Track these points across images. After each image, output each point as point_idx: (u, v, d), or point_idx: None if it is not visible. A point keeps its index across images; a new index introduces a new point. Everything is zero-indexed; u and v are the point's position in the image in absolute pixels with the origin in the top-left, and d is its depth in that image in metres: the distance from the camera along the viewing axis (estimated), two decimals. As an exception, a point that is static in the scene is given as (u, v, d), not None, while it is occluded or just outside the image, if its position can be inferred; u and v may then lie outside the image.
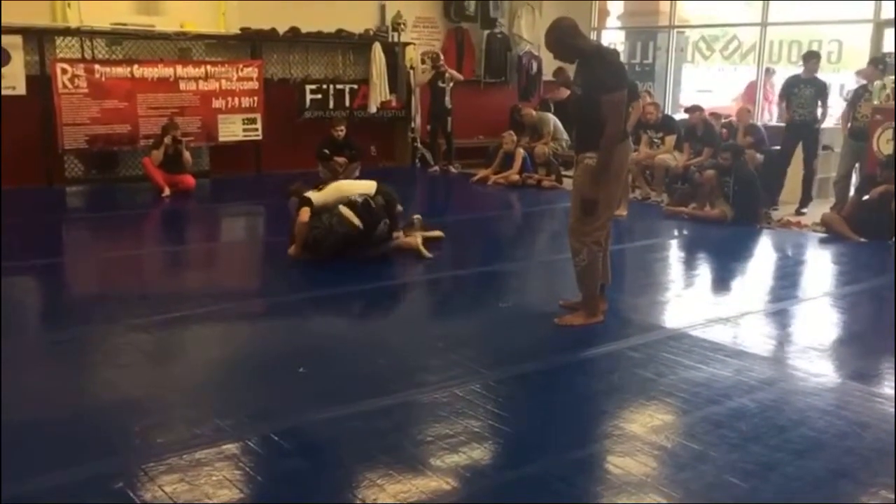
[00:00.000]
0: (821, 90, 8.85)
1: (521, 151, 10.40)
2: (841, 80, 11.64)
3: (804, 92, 8.82)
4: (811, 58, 8.99)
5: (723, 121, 10.35)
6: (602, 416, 3.65)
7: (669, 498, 2.88)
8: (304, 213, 6.13)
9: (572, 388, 3.97)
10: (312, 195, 6.27)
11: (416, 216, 6.90)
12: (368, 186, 6.42)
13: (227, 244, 7.79)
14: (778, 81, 12.57)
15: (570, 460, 3.18)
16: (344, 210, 6.09)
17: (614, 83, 4.46)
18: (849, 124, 8.66)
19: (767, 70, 11.90)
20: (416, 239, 6.50)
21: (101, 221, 8.27)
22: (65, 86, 9.05)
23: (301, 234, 6.14)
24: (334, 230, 6.06)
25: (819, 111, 8.86)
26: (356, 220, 6.07)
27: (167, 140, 8.98)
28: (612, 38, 13.63)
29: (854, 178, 8.71)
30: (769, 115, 12.03)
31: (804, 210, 8.80)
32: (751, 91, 12.29)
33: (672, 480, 3.01)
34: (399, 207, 6.51)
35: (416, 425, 3.47)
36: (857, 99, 8.61)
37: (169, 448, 3.14)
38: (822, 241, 7.60)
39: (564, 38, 4.56)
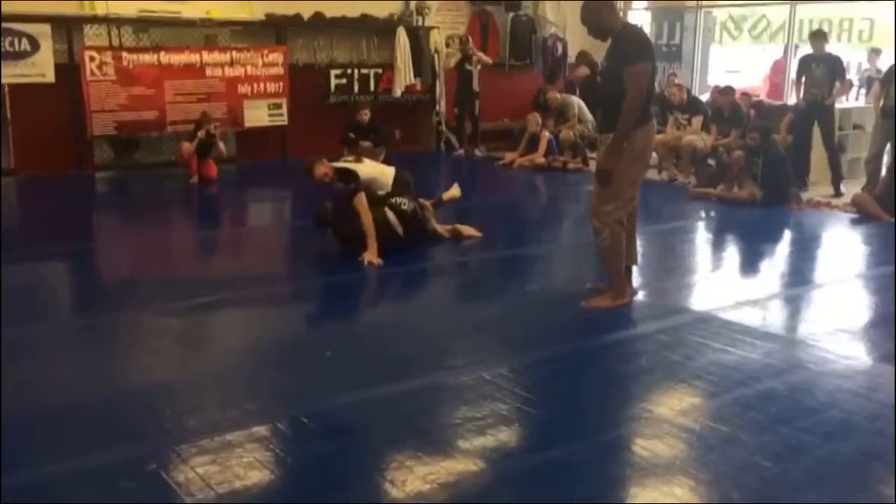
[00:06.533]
0: (835, 66, 8.62)
1: (546, 134, 10.34)
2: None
3: (816, 71, 8.58)
4: (816, 36, 8.75)
5: (753, 100, 10.21)
6: (630, 399, 3.65)
7: (698, 480, 2.88)
8: (364, 203, 5.62)
9: (599, 371, 3.97)
10: (355, 167, 5.89)
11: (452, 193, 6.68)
12: (390, 172, 6.23)
13: (254, 229, 7.83)
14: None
15: (597, 443, 3.18)
16: (390, 216, 5.83)
17: (637, 56, 4.46)
18: (881, 103, 8.50)
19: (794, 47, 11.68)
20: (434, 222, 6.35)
21: (130, 207, 8.37)
22: (93, 73, 9.13)
23: (371, 230, 5.61)
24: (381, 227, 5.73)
25: (835, 89, 8.61)
26: (399, 230, 5.84)
27: (200, 134, 8.91)
28: (639, 18, 13.47)
29: (886, 158, 8.55)
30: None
31: (842, 191, 8.59)
32: (777, 69, 12.09)
33: (701, 463, 3.00)
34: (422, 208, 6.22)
35: (443, 408, 3.49)
36: (889, 78, 8.44)
37: (200, 430, 3.19)
38: (853, 222, 7.49)
39: (600, 10, 4.59)
